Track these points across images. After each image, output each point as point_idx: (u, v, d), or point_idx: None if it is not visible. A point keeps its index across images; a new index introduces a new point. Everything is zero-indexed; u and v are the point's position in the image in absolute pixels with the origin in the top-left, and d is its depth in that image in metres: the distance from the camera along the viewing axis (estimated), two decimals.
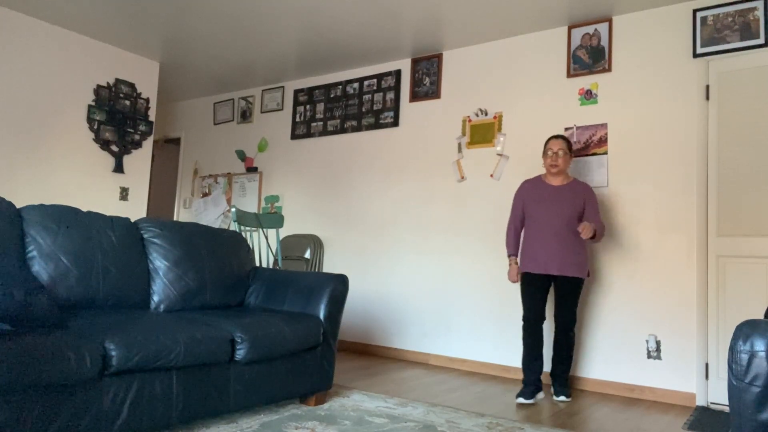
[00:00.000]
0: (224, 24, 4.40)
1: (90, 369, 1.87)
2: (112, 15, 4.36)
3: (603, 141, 3.87)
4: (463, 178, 4.47)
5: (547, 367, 3.77)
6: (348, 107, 5.19)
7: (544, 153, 3.46)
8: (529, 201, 3.46)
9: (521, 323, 3.83)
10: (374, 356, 4.66)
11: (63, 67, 4.65)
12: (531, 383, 3.31)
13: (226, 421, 2.54)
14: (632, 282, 3.69)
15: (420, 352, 4.51)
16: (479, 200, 4.35)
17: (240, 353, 2.42)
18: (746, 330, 1.45)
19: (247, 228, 4.88)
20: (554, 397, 3.38)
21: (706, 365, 3.41)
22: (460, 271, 4.39)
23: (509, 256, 3.52)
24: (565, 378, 3.42)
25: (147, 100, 5.25)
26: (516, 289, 4.10)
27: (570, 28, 4.07)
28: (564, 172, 3.45)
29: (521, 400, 3.25)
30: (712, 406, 3.36)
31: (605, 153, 3.85)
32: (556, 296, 3.40)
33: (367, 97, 5.08)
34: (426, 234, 4.61)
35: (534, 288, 3.38)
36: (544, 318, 3.38)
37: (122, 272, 2.58)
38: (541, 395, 3.37)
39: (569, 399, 3.37)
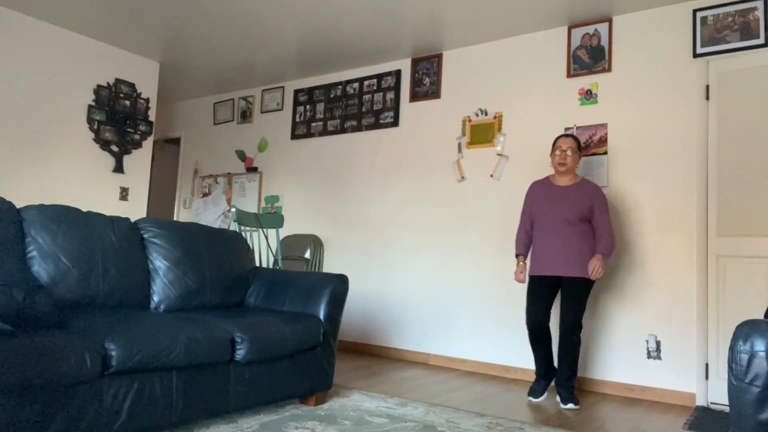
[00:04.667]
0: (224, 24, 4.40)
1: (90, 369, 1.87)
2: (112, 15, 4.36)
3: (603, 141, 3.87)
4: (463, 178, 4.47)
5: None
6: (348, 107, 5.19)
7: (553, 151, 3.39)
8: (537, 202, 3.41)
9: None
10: (374, 356, 4.66)
11: (63, 67, 4.65)
12: (540, 381, 3.36)
13: (226, 421, 2.54)
14: (632, 282, 3.69)
15: (420, 352, 4.51)
16: (479, 200, 4.35)
17: (240, 353, 2.42)
18: (746, 330, 1.45)
19: (247, 228, 4.88)
20: (561, 406, 3.22)
21: (706, 365, 3.41)
22: (460, 271, 4.39)
23: (517, 256, 3.47)
24: (570, 385, 3.25)
25: (147, 100, 5.25)
26: (516, 288, 4.10)
27: (570, 28, 4.07)
28: (572, 172, 3.38)
29: (532, 399, 3.31)
30: (712, 406, 3.36)
31: (605, 153, 3.85)
32: (560, 298, 3.31)
33: (367, 97, 5.08)
34: (426, 234, 4.61)
35: (538, 292, 3.31)
36: (546, 322, 3.28)
37: (122, 272, 2.58)
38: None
39: (577, 407, 3.21)
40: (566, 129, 4.01)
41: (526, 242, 3.47)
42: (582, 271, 3.23)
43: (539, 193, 3.43)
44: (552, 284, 3.32)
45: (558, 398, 3.27)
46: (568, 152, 3.32)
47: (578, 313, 3.23)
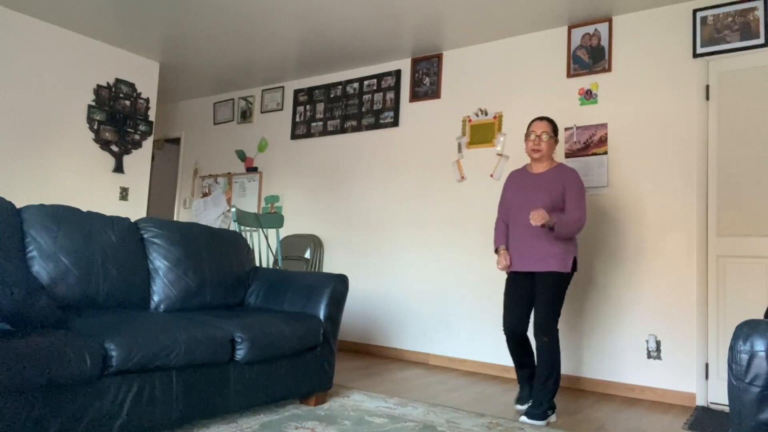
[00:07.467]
0: (224, 24, 4.40)
1: (90, 369, 1.87)
2: (112, 15, 4.36)
3: (603, 141, 3.87)
4: (463, 178, 4.46)
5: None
6: (348, 107, 5.19)
7: (526, 137, 3.06)
8: (511, 191, 3.13)
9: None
10: (374, 356, 4.66)
11: (63, 67, 4.65)
12: (525, 387, 3.08)
13: (226, 421, 2.54)
14: (632, 282, 3.69)
15: (420, 352, 4.51)
16: (479, 200, 4.35)
17: (240, 353, 2.42)
18: (746, 330, 1.45)
19: (247, 228, 4.88)
20: (521, 418, 2.83)
21: (706, 365, 3.41)
22: (460, 271, 4.39)
23: (496, 250, 3.13)
24: (539, 399, 2.82)
25: (147, 100, 5.25)
26: None
27: (570, 28, 4.07)
28: (548, 158, 3.06)
29: (518, 407, 3.05)
30: (712, 406, 3.36)
31: (605, 153, 3.85)
32: (535, 295, 2.97)
33: (367, 97, 5.08)
34: (426, 234, 4.61)
35: (513, 291, 3.02)
36: (525, 326, 2.97)
37: (122, 272, 2.58)
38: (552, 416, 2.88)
39: (540, 423, 2.76)
40: (566, 129, 4.01)
41: (505, 233, 3.13)
42: (555, 265, 2.88)
43: (514, 182, 3.15)
44: (528, 283, 2.99)
45: (524, 408, 2.99)
46: (543, 137, 3.00)
47: (549, 311, 2.85)
